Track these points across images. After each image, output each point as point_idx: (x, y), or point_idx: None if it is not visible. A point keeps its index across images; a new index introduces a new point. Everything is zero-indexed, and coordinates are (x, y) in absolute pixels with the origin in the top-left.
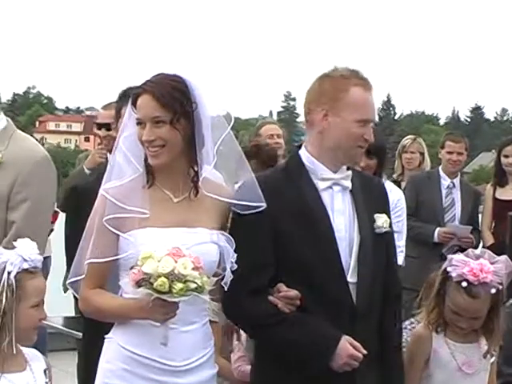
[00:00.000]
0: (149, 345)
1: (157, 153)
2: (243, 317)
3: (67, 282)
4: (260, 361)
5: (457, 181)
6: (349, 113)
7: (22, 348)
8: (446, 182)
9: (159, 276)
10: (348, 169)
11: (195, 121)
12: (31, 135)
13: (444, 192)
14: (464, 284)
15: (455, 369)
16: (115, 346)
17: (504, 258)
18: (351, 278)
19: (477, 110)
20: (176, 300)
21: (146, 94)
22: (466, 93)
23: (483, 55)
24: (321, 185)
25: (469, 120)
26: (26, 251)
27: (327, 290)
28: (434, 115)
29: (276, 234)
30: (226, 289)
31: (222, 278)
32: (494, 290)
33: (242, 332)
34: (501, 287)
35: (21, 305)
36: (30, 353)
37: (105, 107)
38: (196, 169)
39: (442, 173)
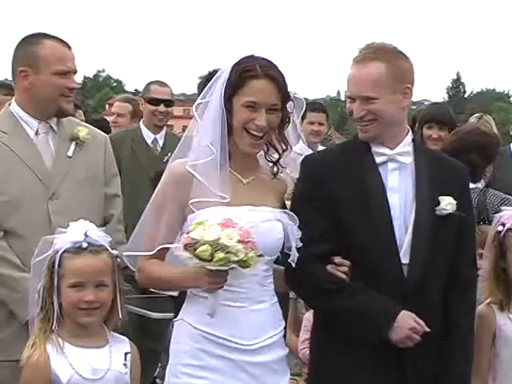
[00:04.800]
0: (218, 324)
1: (260, 141)
2: (306, 283)
3: (124, 254)
4: (317, 336)
5: None
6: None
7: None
8: None
9: (204, 243)
10: (414, 142)
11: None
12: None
13: None
14: None
15: None
16: (186, 326)
17: None
18: (404, 258)
19: None
20: (212, 268)
21: (265, 79)
22: None
23: None
24: (377, 161)
25: None
26: (71, 231)
27: (379, 269)
28: (505, 92)
29: (333, 208)
30: (293, 265)
31: (288, 256)
32: None
33: None
34: None
35: (61, 283)
36: (115, 335)
37: (161, 84)
38: (279, 151)
39: None
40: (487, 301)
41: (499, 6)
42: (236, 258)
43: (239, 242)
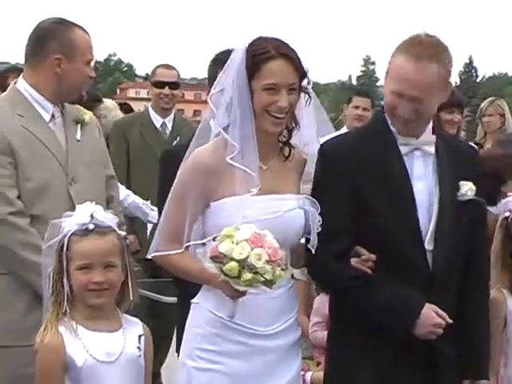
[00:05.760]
0: (237, 311)
1: (282, 120)
2: (329, 280)
3: (152, 255)
4: (337, 328)
5: None
6: (387, 81)
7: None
8: None
9: (232, 259)
10: (433, 133)
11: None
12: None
13: None
14: None
15: None
16: (204, 311)
17: None
18: (429, 245)
19: None
20: (240, 288)
21: (281, 60)
22: None
23: None
24: (402, 149)
25: None
26: (77, 214)
27: (404, 255)
28: None
29: (354, 195)
30: (313, 251)
31: (308, 242)
32: None
33: None
34: None
35: (70, 266)
36: (128, 318)
37: (167, 67)
38: (289, 132)
39: None
40: (497, 285)
41: None
42: (262, 279)
43: (267, 262)
